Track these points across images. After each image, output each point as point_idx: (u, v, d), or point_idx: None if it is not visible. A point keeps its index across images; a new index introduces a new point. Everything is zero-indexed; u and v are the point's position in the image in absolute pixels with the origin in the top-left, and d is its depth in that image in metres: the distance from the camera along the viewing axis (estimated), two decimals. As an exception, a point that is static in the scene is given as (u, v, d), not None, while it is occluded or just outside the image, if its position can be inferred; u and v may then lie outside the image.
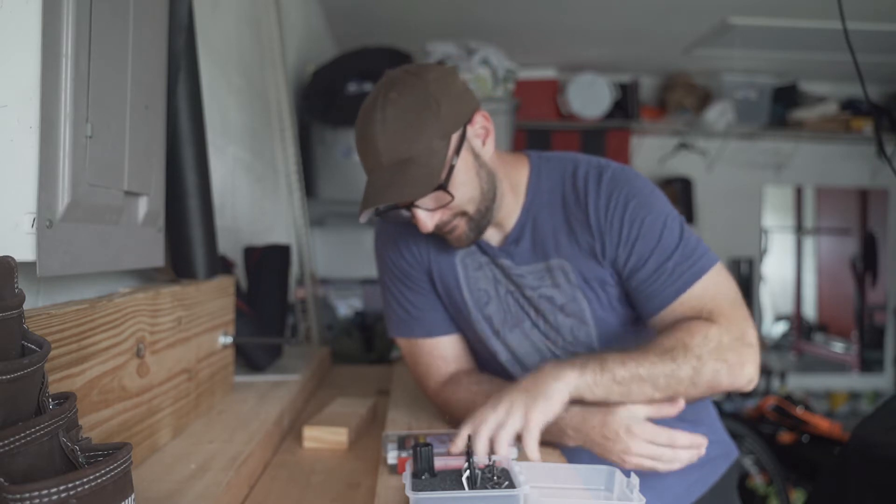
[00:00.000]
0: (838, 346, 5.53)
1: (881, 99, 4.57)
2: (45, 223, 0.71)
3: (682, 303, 1.05)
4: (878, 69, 4.13)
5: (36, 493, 0.45)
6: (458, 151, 1.02)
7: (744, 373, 1.00)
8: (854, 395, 4.81)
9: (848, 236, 5.57)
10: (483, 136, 1.07)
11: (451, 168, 1.01)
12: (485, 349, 1.21)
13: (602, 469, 0.86)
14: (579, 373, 0.95)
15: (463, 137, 1.03)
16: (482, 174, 1.06)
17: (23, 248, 0.69)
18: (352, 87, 2.76)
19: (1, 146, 0.68)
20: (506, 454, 0.89)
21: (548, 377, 0.95)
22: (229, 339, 1.29)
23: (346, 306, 2.89)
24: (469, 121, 1.04)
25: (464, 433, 0.93)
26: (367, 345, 2.66)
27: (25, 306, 0.54)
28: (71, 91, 0.74)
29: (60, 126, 0.73)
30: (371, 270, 2.90)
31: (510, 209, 1.13)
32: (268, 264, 1.62)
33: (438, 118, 0.99)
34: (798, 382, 4.71)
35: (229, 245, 1.70)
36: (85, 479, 0.48)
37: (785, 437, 3.18)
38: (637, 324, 1.14)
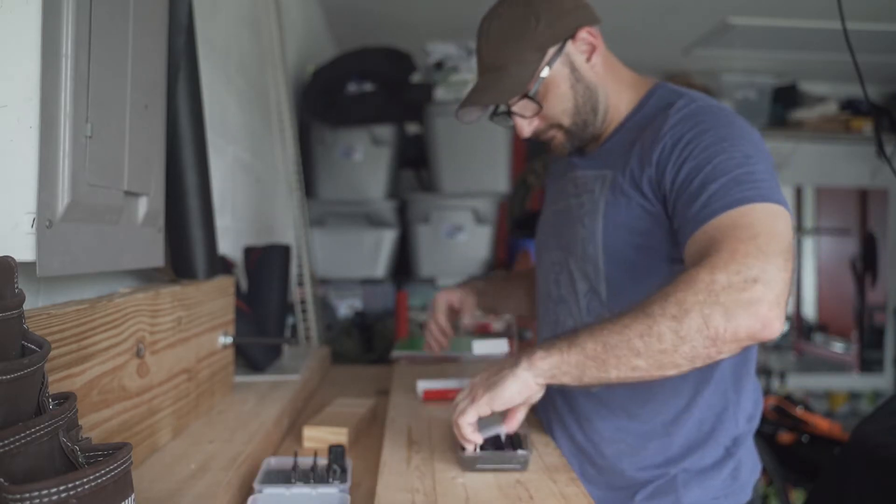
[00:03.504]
0: (838, 346, 5.53)
1: (881, 99, 4.57)
2: (45, 223, 0.71)
3: (704, 231, 0.90)
4: (878, 69, 4.13)
5: (36, 493, 0.45)
6: (551, 64, 1.09)
7: (751, 313, 0.81)
8: (854, 395, 4.81)
9: (848, 236, 5.57)
10: (588, 52, 1.12)
11: (541, 80, 1.09)
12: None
13: None
14: (542, 356, 0.90)
15: (560, 52, 1.09)
16: (578, 88, 1.11)
17: (23, 248, 0.69)
18: (351, 87, 2.76)
19: (1, 146, 0.68)
20: (473, 439, 0.95)
21: (505, 372, 0.93)
22: (229, 339, 1.29)
23: (346, 306, 2.89)
24: (571, 36, 1.10)
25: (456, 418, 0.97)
26: (366, 345, 2.66)
27: (25, 306, 0.54)
28: (71, 91, 0.74)
29: (60, 126, 0.73)
30: (370, 270, 2.90)
31: (612, 125, 1.16)
32: (268, 264, 1.62)
33: (534, 32, 1.08)
34: (798, 382, 4.71)
35: (229, 245, 1.70)
36: (85, 479, 0.48)
37: (785, 437, 3.18)
38: (649, 257, 1.05)
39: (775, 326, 0.82)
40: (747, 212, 0.89)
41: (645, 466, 1.10)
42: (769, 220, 0.88)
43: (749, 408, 1.13)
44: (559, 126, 1.14)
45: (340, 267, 2.87)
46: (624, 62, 1.19)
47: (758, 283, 0.82)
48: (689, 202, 0.95)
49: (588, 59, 1.11)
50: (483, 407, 0.93)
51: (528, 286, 1.47)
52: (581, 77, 1.11)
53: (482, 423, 0.96)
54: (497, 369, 0.96)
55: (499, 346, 1.41)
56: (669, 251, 1.04)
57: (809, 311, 5.97)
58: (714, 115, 1.02)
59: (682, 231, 0.96)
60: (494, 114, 1.18)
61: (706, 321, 0.82)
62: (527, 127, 1.14)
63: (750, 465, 1.13)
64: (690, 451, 1.09)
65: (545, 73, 1.09)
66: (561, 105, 1.11)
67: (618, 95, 1.15)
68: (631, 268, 1.09)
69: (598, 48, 1.12)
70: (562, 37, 1.09)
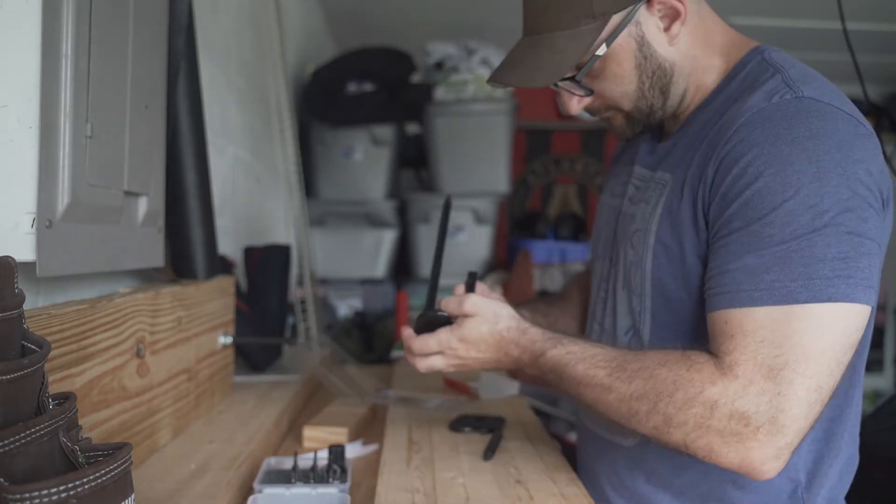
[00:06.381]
0: (838, 346, 5.52)
1: (881, 99, 4.57)
2: (45, 223, 0.71)
3: (728, 317, 0.74)
4: (878, 69, 4.13)
5: (36, 493, 0.45)
6: (610, 40, 0.82)
7: (740, 459, 0.70)
8: (854, 395, 4.81)
9: (848, 236, 5.56)
10: (669, 18, 0.83)
11: (596, 58, 0.83)
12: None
13: None
14: (533, 369, 0.89)
15: (628, 20, 0.81)
16: (646, 68, 0.85)
17: (23, 248, 0.69)
18: (351, 87, 2.76)
19: (1, 146, 0.68)
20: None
21: (506, 363, 0.93)
22: (229, 339, 1.29)
23: (346, 306, 2.89)
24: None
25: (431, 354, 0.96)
26: (366, 345, 2.66)
27: (25, 306, 0.54)
28: (71, 91, 0.74)
29: (60, 126, 0.73)
30: (370, 270, 2.90)
31: (694, 104, 0.91)
32: (268, 264, 1.62)
33: None
34: (798, 382, 4.70)
35: (229, 245, 1.70)
36: (85, 479, 0.48)
37: (785, 437, 3.17)
38: (701, 298, 0.82)
39: (765, 476, 0.70)
40: (781, 321, 0.70)
41: None
42: (808, 339, 0.69)
43: (834, 479, 0.86)
44: (616, 108, 0.90)
45: (340, 267, 2.87)
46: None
47: (759, 431, 0.69)
48: (723, 262, 0.76)
49: (667, 29, 0.83)
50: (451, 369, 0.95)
51: (574, 314, 1.20)
52: (652, 53, 0.84)
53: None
54: (487, 358, 0.93)
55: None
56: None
57: (809, 311, 5.96)
58: (800, 128, 0.74)
59: (708, 291, 0.79)
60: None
61: (686, 445, 0.74)
62: (575, 105, 0.90)
63: None
64: None
65: (601, 50, 0.82)
66: (620, 87, 0.86)
67: (706, 70, 0.88)
68: (679, 308, 0.86)
69: (682, 15, 0.83)
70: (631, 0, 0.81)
